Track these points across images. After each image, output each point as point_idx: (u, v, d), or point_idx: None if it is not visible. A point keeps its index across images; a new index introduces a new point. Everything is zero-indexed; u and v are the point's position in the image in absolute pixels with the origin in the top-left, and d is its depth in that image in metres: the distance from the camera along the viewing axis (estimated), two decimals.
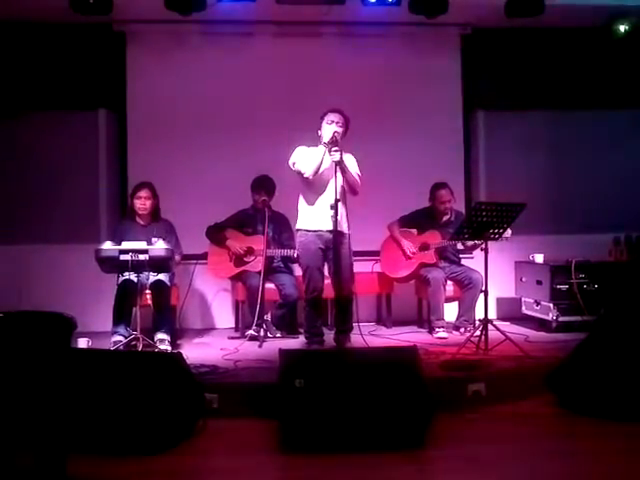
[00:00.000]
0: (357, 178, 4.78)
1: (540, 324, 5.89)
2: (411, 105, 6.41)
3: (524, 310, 6.17)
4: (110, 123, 6.35)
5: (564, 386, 3.96)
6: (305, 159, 4.77)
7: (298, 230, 4.93)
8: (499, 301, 6.49)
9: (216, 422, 3.70)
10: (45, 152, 6.17)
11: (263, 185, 5.67)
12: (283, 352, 3.63)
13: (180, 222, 5.53)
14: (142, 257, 4.64)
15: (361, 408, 3.36)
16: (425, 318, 6.02)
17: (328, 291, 5.07)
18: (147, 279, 5.17)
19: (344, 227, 4.75)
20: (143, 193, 5.30)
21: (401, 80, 6.42)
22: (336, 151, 4.47)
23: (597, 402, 3.75)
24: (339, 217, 4.53)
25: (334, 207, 4.42)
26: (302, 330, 5.18)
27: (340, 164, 4.50)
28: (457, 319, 5.76)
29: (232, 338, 5.67)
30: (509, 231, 5.05)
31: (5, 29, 5.98)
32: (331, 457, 3.26)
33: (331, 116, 4.77)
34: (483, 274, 4.93)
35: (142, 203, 5.30)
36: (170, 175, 5.97)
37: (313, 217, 4.82)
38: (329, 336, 5.06)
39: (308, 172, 4.70)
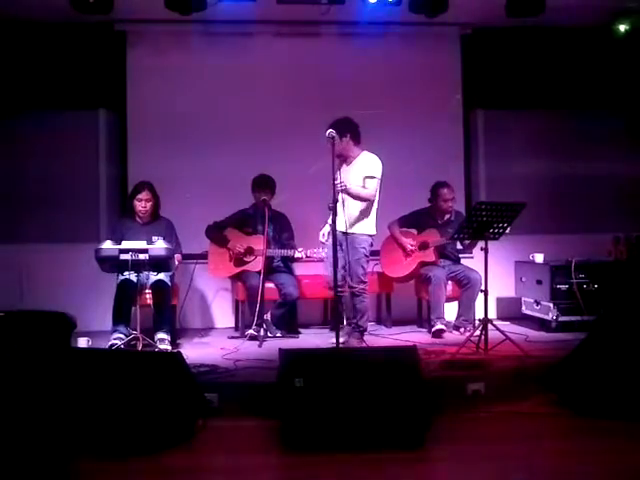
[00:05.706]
0: (360, 190, 4.93)
1: (540, 324, 5.89)
2: (411, 105, 6.40)
3: (524, 310, 6.17)
4: (110, 123, 6.35)
5: (564, 385, 3.97)
6: None
7: None
8: (499, 301, 6.48)
9: (216, 422, 3.70)
10: (45, 151, 6.16)
11: (264, 184, 5.67)
12: (283, 352, 3.63)
13: (180, 221, 5.53)
14: (142, 256, 4.63)
15: (361, 408, 3.36)
16: (425, 318, 6.02)
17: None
18: (147, 278, 5.18)
19: (348, 228, 4.78)
20: (143, 195, 5.28)
21: (401, 80, 6.41)
22: (339, 183, 4.66)
23: (597, 401, 3.75)
24: (339, 218, 4.58)
25: (332, 209, 4.50)
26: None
27: (344, 192, 4.79)
28: (457, 319, 5.76)
29: (232, 338, 5.68)
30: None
31: (5, 28, 5.97)
32: (331, 456, 3.26)
33: None
34: (483, 274, 4.93)
35: (143, 206, 5.28)
36: (170, 174, 5.96)
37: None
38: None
39: None
